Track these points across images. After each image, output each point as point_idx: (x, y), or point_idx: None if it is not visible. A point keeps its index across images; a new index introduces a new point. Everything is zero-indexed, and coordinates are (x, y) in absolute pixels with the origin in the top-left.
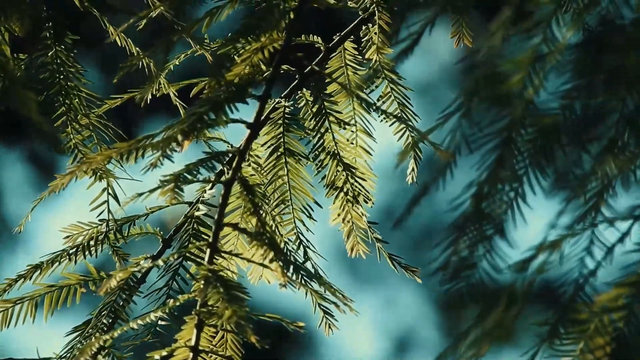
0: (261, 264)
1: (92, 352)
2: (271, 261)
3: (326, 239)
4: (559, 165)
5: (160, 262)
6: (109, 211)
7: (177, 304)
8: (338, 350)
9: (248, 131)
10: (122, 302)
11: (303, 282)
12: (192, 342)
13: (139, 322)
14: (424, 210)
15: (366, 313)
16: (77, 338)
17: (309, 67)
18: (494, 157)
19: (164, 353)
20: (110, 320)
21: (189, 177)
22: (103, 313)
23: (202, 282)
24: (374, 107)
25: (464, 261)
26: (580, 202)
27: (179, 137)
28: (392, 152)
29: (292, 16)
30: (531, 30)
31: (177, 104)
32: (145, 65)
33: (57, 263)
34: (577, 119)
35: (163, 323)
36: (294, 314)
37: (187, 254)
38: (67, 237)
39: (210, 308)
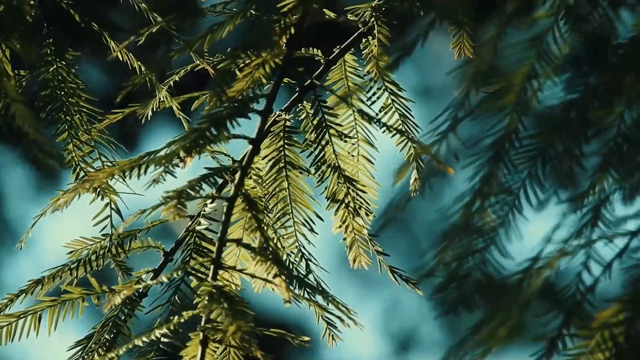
0: (265, 280)
1: None
2: (275, 276)
3: (324, 239)
4: (556, 179)
5: (164, 279)
6: (112, 226)
7: (182, 320)
8: (339, 350)
9: (250, 146)
10: (124, 317)
11: (307, 297)
12: (198, 359)
13: (144, 339)
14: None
15: (368, 313)
16: (80, 352)
17: (309, 80)
18: (485, 171)
19: None
20: (112, 335)
21: (192, 193)
22: (105, 328)
23: (206, 298)
24: (375, 121)
25: (454, 272)
26: (577, 216)
27: (182, 154)
28: (389, 158)
29: (292, 32)
30: (527, 45)
31: (181, 117)
32: (147, 80)
33: (59, 278)
34: (574, 133)
35: (167, 340)
36: (292, 312)
37: (191, 270)
38: (71, 252)
39: (214, 324)
